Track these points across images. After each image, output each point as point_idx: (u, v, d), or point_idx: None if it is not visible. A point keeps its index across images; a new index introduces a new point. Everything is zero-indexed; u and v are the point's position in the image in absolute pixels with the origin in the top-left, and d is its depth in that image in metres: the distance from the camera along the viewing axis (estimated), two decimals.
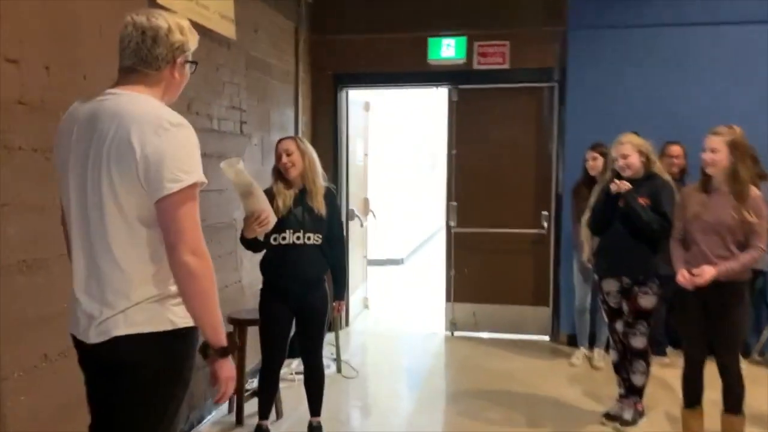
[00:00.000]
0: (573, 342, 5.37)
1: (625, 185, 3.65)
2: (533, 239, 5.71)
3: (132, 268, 1.78)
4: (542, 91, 5.64)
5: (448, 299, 5.88)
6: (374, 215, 6.73)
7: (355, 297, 6.30)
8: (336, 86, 5.79)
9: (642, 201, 3.63)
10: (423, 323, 6.27)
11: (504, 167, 5.72)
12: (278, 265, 3.37)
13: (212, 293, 1.77)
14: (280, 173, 3.37)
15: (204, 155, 3.79)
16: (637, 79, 5.28)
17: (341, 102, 5.84)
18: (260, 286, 3.53)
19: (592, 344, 5.11)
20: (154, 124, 1.73)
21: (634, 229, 3.67)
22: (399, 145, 12.32)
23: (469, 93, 5.72)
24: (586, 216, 3.98)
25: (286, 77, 5.16)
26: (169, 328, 1.80)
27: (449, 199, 5.82)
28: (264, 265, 3.47)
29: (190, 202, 1.76)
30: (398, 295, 7.68)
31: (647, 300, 3.71)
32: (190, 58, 1.92)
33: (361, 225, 6.34)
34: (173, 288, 1.79)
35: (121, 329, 1.77)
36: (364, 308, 6.77)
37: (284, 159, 3.32)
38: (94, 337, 1.79)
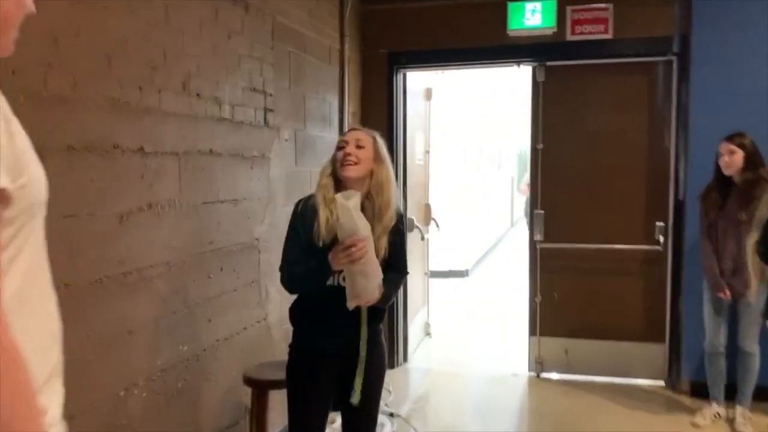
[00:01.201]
0: (699, 392, 4.11)
1: None
2: (644, 257, 4.46)
3: None
4: (656, 67, 4.38)
5: (532, 332, 4.69)
6: (437, 225, 5.60)
7: (414, 324, 5.19)
8: (391, 67, 4.67)
9: None
10: (499, 359, 5.10)
11: (605, 165, 4.49)
12: (316, 315, 2.29)
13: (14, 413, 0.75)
14: (334, 175, 2.28)
15: (210, 152, 2.77)
16: None
17: (398, 87, 4.73)
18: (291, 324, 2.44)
19: (731, 400, 3.84)
20: None
21: None
22: (459, 140, 11.12)
23: (560, 71, 4.51)
24: (752, 238, 2.75)
25: (327, 55, 4.09)
26: None
27: (534, 206, 4.63)
28: (296, 314, 2.38)
29: None
30: (465, 317, 6.52)
31: None
32: None
33: (422, 238, 5.21)
34: None
35: None
36: (426, 335, 5.65)
37: (350, 148, 2.23)
38: None
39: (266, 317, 3.32)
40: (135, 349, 2.32)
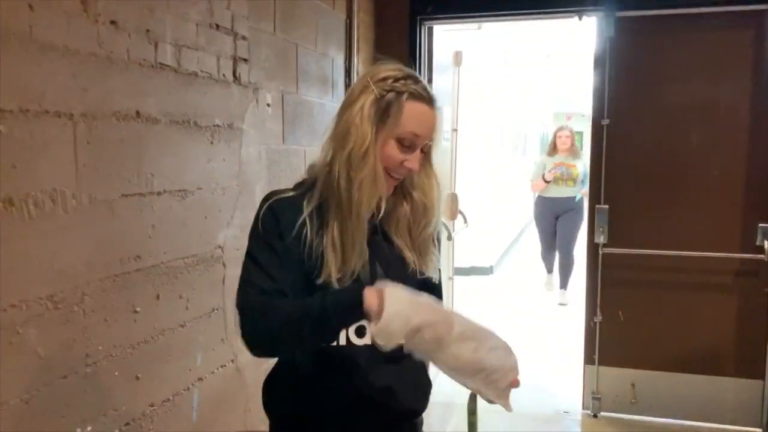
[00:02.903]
0: None
1: None
2: (740, 269, 3.44)
3: None
4: (764, 18, 3.33)
5: (589, 360, 3.69)
6: (465, 219, 4.58)
7: None
8: (414, 18, 3.65)
9: None
10: (543, 390, 4.10)
11: (690, 148, 3.46)
12: (321, 392, 1.32)
13: None
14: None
15: (136, 116, 1.62)
16: None
17: (421, 45, 3.71)
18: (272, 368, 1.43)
19: None
20: None
21: None
22: (478, 117, 10.00)
23: (635, 24, 3.46)
24: None
25: None
26: None
27: (596, 199, 3.60)
28: (279, 393, 1.40)
29: None
30: (495, 329, 5.49)
31: None
32: None
33: (449, 237, 4.21)
34: None
35: None
36: None
37: (413, 160, 1.29)
38: None
39: (235, 358, 2.34)
40: None
